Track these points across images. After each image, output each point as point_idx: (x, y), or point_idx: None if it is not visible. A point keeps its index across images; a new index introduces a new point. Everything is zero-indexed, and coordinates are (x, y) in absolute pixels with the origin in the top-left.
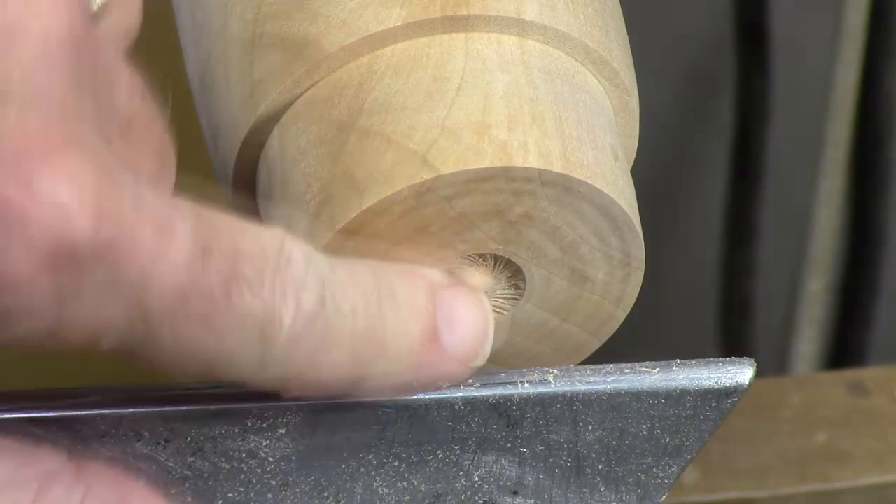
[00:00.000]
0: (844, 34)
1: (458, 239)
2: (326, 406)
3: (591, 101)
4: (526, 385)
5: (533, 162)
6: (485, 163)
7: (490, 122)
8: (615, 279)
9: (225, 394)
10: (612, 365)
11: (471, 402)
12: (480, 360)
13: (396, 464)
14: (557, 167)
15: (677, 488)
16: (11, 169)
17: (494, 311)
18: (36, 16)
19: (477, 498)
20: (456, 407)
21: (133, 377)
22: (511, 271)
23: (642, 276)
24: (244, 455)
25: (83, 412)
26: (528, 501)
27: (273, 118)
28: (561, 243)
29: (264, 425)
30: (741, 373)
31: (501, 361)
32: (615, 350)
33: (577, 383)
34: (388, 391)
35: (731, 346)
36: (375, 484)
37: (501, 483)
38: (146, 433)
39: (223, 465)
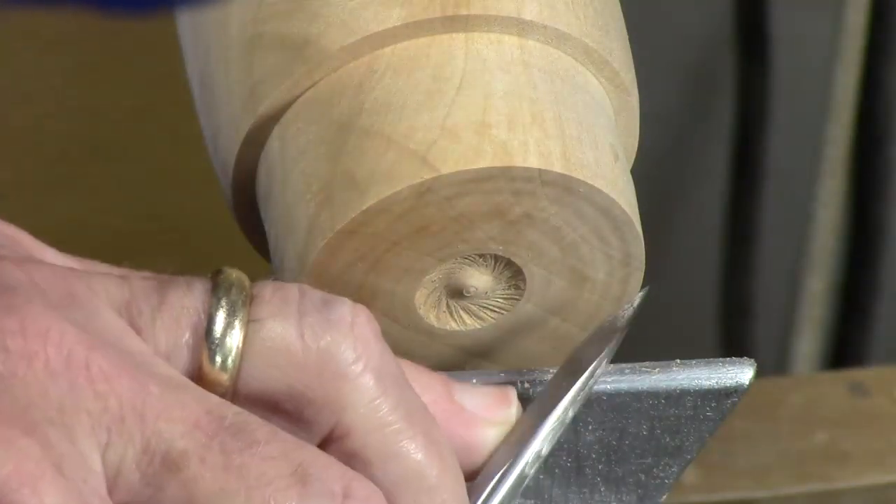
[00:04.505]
0: (844, 34)
1: (458, 239)
2: None
3: (591, 101)
4: (526, 385)
5: (533, 162)
6: (485, 163)
7: (490, 122)
8: (615, 279)
9: None
10: (612, 365)
11: None
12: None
13: None
14: (557, 167)
15: (677, 488)
16: None
17: (494, 311)
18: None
19: None
20: None
21: None
22: (511, 271)
23: (642, 276)
24: None
25: None
26: (528, 501)
27: (273, 118)
28: (561, 243)
29: None
30: (741, 373)
31: (501, 361)
32: (615, 350)
33: None
34: None
35: (731, 346)
36: None
37: None
38: None
39: None
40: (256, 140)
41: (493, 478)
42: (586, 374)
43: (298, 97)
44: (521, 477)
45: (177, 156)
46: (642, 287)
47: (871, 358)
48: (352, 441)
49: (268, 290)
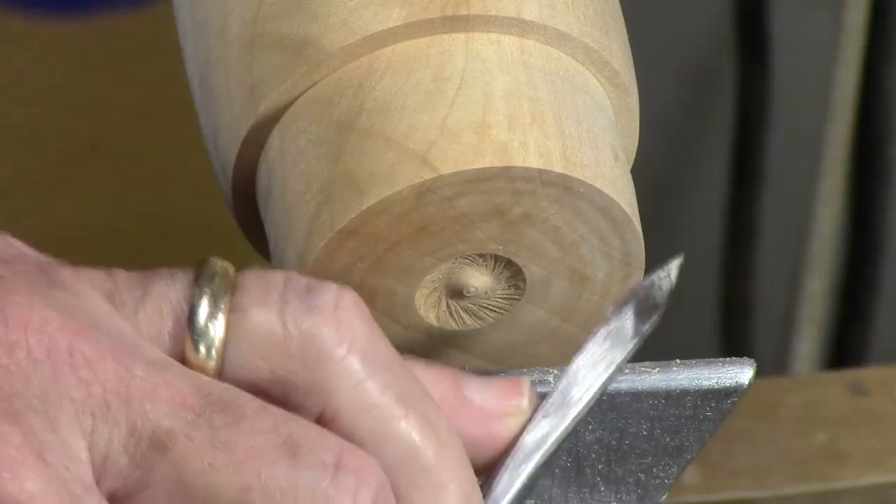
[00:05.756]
0: (844, 34)
1: (458, 239)
2: None
3: (591, 101)
4: None
5: (533, 162)
6: (485, 163)
7: (490, 122)
8: (615, 279)
9: None
10: None
11: None
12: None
13: None
14: (557, 167)
15: (677, 488)
16: None
17: (494, 311)
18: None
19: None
20: None
21: None
22: (511, 271)
23: (642, 276)
24: None
25: None
26: (528, 501)
27: (273, 118)
28: (561, 243)
29: None
30: (741, 373)
31: (501, 361)
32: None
33: None
34: None
35: (731, 346)
36: None
37: None
38: None
39: None
40: (256, 140)
41: (507, 471)
42: (613, 366)
43: (298, 97)
44: (537, 473)
45: (177, 156)
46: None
47: (871, 358)
48: (340, 424)
49: (250, 279)
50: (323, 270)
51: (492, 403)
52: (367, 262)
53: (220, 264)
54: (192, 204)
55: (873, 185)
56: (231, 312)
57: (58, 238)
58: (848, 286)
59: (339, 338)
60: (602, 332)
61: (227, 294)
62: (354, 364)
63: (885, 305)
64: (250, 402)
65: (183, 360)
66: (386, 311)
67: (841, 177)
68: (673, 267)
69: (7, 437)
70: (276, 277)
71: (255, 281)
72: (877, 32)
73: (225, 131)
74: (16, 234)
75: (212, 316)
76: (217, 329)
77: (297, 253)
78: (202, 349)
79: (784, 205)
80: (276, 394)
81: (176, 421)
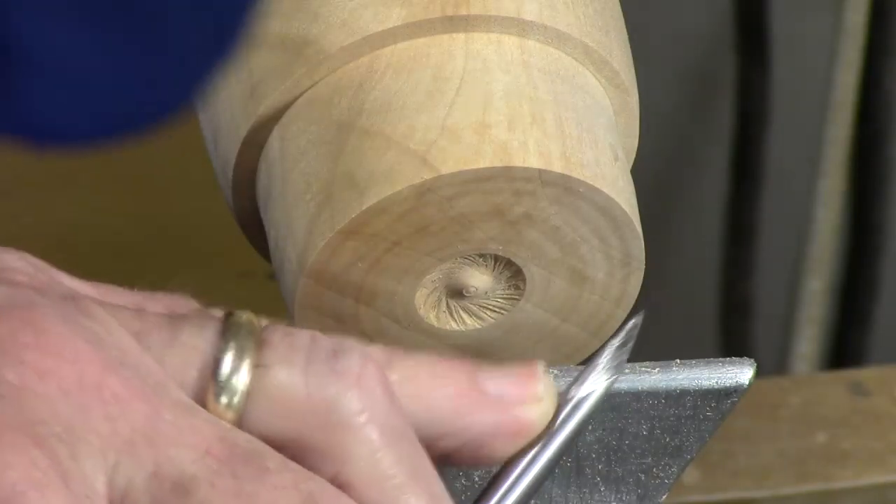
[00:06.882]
0: (844, 34)
1: (458, 239)
2: None
3: (591, 101)
4: None
5: (533, 162)
6: (485, 163)
7: (490, 122)
8: (615, 279)
9: None
10: None
11: None
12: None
13: None
14: (557, 167)
15: (677, 488)
16: None
17: (494, 311)
18: None
19: None
20: None
21: None
22: (511, 271)
23: (642, 276)
24: None
25: None
26: (528, 502)
27: (273, 118)
28: (561, 243)
29: None
30: (741, 373)
31: (501, 362)
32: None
33: None
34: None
35: (731, 346)
36: None
37: None
38: None
39: None
40: (256, 140)
41: (507, 480)
42: (591, 382)
43: (298, 97)
44: (539, 478)
45: (177, 156)
46: (638, 314)
47: (871, 358)
48: (352, 493)
49: (277, 336)
50: (323, 270)
51: (508, 393)
52: (367, 262)
53: (245, 317)
54: (192, 204)
55: (873, 185)
56: (256, 368)
57: (58, 238)
58: (848, 286)
59: (360, 406)
60: (599, 368)
61: (253, 349)
62: (372, 434)
63: (885, 305)
64: (273, 457)
65: (203, 407)
66: (386, 311)
67: (841, 177)
68: (641, 316)
69: (35, 459)
70: (303, 337)
71: (282, 338)
72: (877, 32)
73: (225, 131)
74: (16, 234)
75: (236, 370)
76: (240, 383)
77: (297, 253)
78: (224, 400)
79: (784, 204)
80: (291, 453)
81: (200, 468)
